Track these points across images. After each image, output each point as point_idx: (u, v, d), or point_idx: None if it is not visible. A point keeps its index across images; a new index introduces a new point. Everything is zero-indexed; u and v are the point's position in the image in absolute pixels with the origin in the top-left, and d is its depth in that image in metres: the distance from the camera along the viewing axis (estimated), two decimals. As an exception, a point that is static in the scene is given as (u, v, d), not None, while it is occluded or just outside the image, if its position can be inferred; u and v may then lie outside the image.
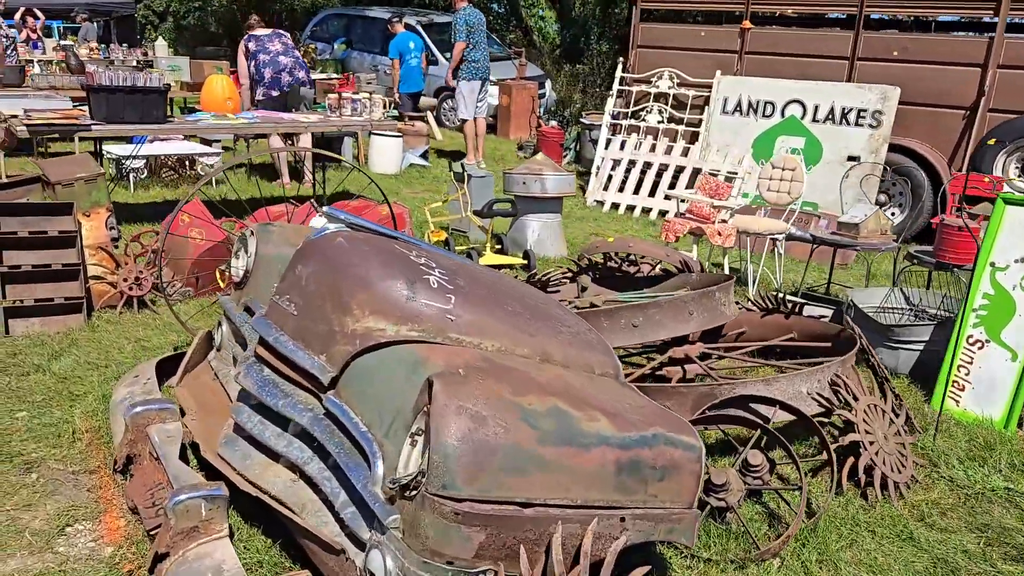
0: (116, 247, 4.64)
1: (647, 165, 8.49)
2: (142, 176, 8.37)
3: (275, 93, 8.02)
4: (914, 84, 7.40)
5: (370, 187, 7.99)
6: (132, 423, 2.78)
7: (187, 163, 9.05)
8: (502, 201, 5.71)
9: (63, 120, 5.89)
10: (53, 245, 4.32)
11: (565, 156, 11.73)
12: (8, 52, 9.57)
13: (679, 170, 8.27)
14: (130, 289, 4.51)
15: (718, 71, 8.38)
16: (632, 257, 4.89)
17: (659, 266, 4.90)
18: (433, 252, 2.78)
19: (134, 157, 7.98)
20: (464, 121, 10.85)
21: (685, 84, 8.62)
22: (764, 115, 7.97)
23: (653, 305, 3.45)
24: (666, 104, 8.72)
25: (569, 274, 4.78)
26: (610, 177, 8.74)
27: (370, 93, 7.24)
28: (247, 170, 9.35)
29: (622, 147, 8.79)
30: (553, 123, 12.19)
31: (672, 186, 8.25)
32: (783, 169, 5.50)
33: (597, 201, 8.61)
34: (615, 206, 8.42)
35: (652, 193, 8.33)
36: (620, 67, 9.13)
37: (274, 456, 2.65)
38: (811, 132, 7.70)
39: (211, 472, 2.86)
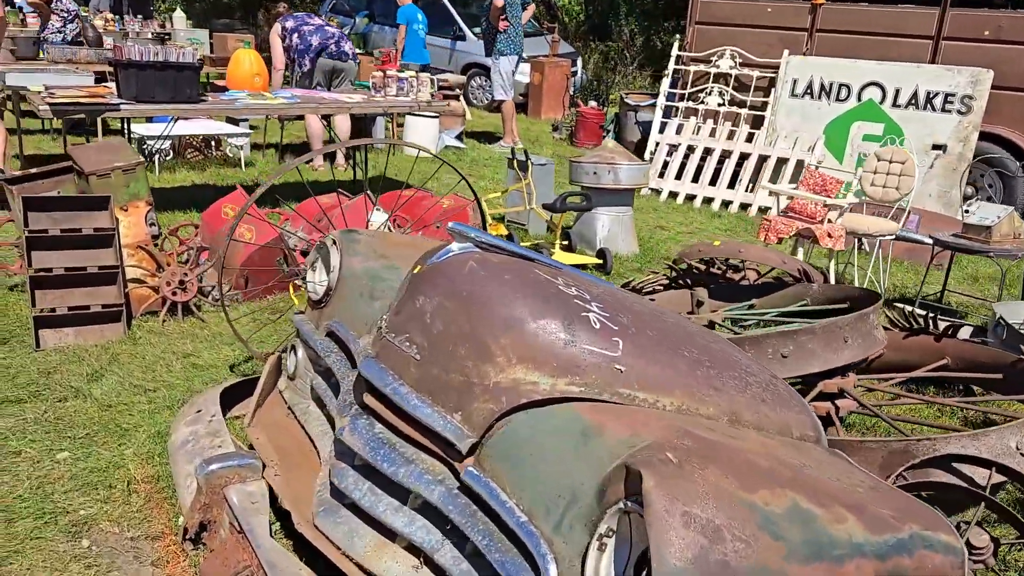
0: (156, 245, 4.11)
1: (707, 151, 7.91)
2: (167, 158, 7.83)
3: (320, 61, 7.46)
4: (1007, 66, 6.80)
5: (411, 173, 7.46)
6: (207, 484, 2.27)
7: (213, 143, 8.51)
8: (576, 194, 5.17)
9: (89, 99, 5.34)
10: (87, 244, 3.80)
11: (604, 138, 11.14)
12: (68, 22, 8.95)
13: (743, 157, 7.70)
14: (174, 294, 3.99)
15: (786, 51, 7.78)
16: (732, 261, 4.36)
17: (761, 273, 4.36)
18: (581, 279, 2.25)
19: (164, 137, 7.43)
20: (502, 101, 10.29)
21: (748, 64, 8.02)
22: (838, 99, 7.38)
23: (805, 332, 2.92)
24: (727, 85, 8.12)
25: (664, 280, 4.26)
26: (666, 163, 8.16)
27: (416, 71, 6.68)
28: (277, 151, 8.80)
29: (679, 131, 8.21)
30: (592, 103, 11.59)
31: (736, 174, 7.69)
32: (890, 161, 4.94)
33: (653, 189, 8.04)
34: (673, 195, 7.86)
35: (713, 182, 7.77)
36: (676, 45, 8.53)
37: (386, 532, 2.14)
38: (891, 118, 7.12)
39: (301, 543, 2.36)
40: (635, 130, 10.70)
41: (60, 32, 8.51)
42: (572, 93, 13.79)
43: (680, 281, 4.24)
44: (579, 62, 15.13)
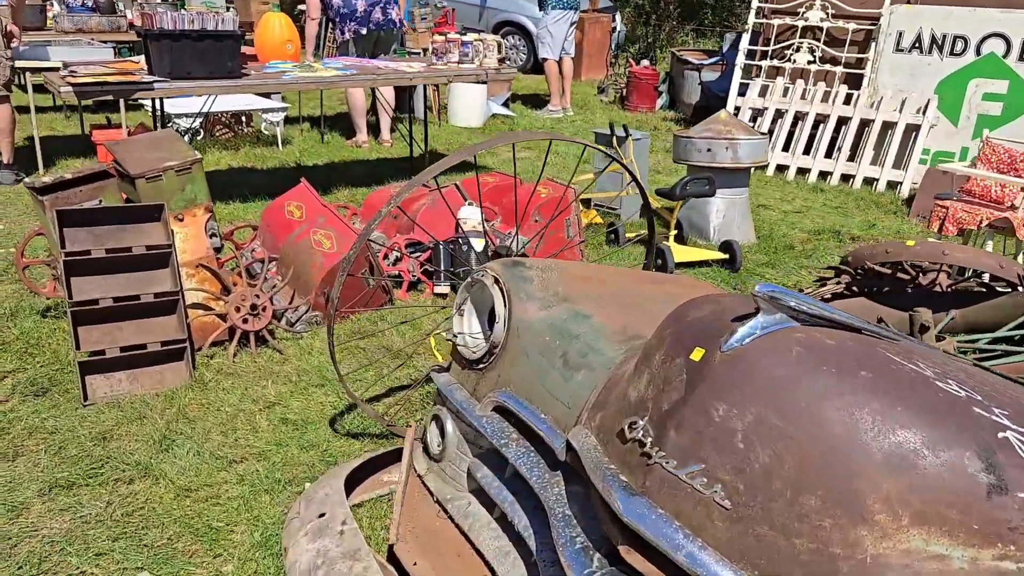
0: (219, 260, 3.36)
1: (799, 115, 7.07)
2: (198, 138, 7.04)
3: (365, 31, 6.63)
4: None
5: (454, 144, 6.66)
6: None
7: (243, 119, 7.70)
8: (699, 178, 4.37)
9: (118, 77, 4.55)
10: (138, 266, 3.06)
11: (659, 101, 10.27)
12: None
13: (842, 121, 6.86)
14: (244, 322, 3.25)
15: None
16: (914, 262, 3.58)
17: (950, 275, 3.59)
18: (942, 360, 1.49)
19: (197, 115, 6.64)
20: (545, 60, 9.45)
21: (842, 15, 7.13)
22: (952, 53, 6.52)
23: None
24: (817, 40, 7.25)
25: (839, 287, 3.49)
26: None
27: (479, 33, 5.85)
28: (317, 127, 7.99)
29: (763, 93, 7.35)
30: (645, 62, 10.69)
31: (834, 141, 6.86)
32: (1077, 131, 4.12)
33: (735, 159, 7.21)
34: (761, 166, 7.02)
35: (807, 150, 6.94)
36: (756, -5, 7.64)
37: None
38: (1017, 74, 6.26)
39: None
40: (694, 92, 9.83)
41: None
42: (614, 51, 12.87)
43: (853, 288, 3.48)
44: (618, 17, 14.15)
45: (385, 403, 2.97)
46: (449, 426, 2.14)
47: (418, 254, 3.98)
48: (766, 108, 7.22)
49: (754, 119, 7.33)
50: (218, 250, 3.36)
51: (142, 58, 5.25)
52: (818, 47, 7.21)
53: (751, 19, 7.60)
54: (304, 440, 2.68)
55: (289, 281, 3.49)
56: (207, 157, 6.70)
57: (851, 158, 6.73)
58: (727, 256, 4.45)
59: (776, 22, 7.47)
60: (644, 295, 2.12)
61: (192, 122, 6.66)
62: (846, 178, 6.69)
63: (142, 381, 3.00)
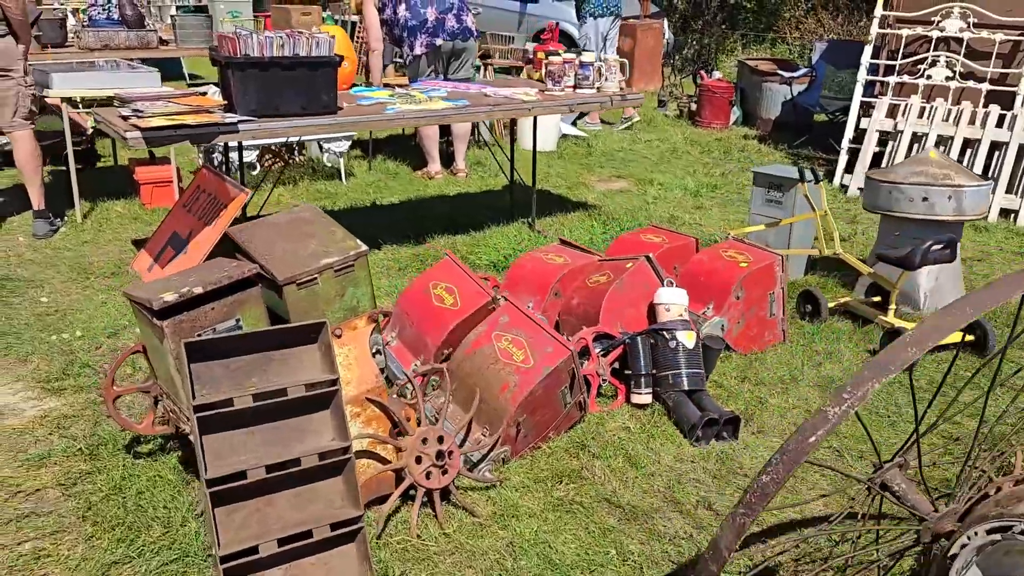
0: (391, 388, 2.43)
1: (941, 139, 6.19)
2: (253, 172, 6.10)
3: (439, 41, 5.73)
4: None
5: (568, 182, 5.82)
6: None
7: (295, 146, 6.75)
8: (940, 240, 3.49)
9: (195, 118, 3.62)
10: (293, 410, 2.14)
11: (733, 118, 9.38)
12: None
13: (995, 147, 5.98)
14: (427, 477, 2.33)
15: (1042, 5, 6.02)
16: None
17: None
18: None
19: (254, 147, 5.69)
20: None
21: (986, 25, 6.26)
22: None
23: None
24: (956, 53, 6.37)
25: None
26: (877, 155, 6.45)
27: (603, 55, 4.96)
28: (366, 153, 7.05)
29: (894, 113, 6.47)
30: (717, 74, 9.80)
31: (987, 167, 5.98)
32: None
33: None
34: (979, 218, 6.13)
35: (954, 179, 6.05)
36: (880, 3, 6.74)
37: None
38: None
39: None
40: (772, 106, 8.96)
41: (105, 9, 6.75)
42: (671, 61, 11.98)
43: None
44: (666, 23, 13.25)
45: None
46: None
47: (607, 351, 3.06)
48: (900, 131, 6.33)
49: (883, 143, 6.45)
50: (382, 370, 2.45)
51: (209, 88, 4.35)
52: (957, 61, 6.32)
53: (874, 29, 6.70)
54: None
55: (461, 404, 2.57)
56: (261, 196, 5.75)
57: (1009, 189, 5.86)
58: (971, 338, 3.56)
59: (904, 32, 6.58)
60: None
61: (251, 155, 5.73)
62: (1007, 212, 5.81)
63: (304, 580, 2.09)
